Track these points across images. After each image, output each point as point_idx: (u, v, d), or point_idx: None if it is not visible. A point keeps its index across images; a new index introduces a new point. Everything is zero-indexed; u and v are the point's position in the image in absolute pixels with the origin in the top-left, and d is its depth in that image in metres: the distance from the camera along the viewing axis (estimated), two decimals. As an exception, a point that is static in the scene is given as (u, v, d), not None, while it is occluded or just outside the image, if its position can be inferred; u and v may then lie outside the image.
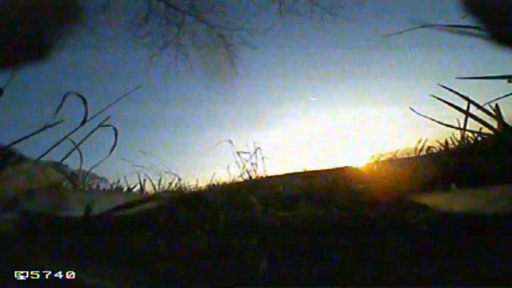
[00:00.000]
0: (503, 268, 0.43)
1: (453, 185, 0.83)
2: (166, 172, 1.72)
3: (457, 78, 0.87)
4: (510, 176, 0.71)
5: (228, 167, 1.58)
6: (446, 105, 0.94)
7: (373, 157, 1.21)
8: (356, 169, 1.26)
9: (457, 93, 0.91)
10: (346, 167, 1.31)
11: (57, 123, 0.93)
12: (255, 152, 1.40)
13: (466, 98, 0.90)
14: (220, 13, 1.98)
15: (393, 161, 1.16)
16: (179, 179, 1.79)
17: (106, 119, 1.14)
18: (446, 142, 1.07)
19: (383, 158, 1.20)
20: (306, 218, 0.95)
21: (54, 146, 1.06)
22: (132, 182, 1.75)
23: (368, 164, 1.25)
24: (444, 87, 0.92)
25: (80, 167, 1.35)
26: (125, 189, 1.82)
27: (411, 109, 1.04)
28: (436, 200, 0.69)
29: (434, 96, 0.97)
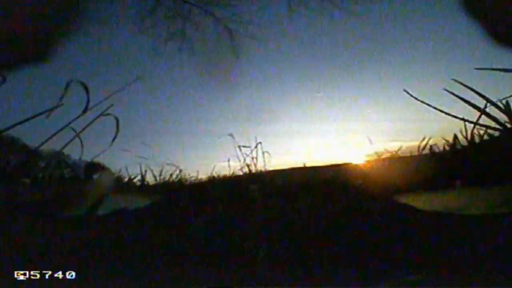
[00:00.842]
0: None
1: (457, 182, 0.83)
2: (167, 163, 1.72)
3: (476, 68, 0.85)
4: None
5: (228, 161, 1.58)
6: (454, 102, 0.92)
7: (375, 154, 1.21)
8: (356, 166, 1.25)
9: (470, 88, 0.88)
10: (345, 163, 1.31)
11: (56, 107, 0.92)
12: (256, 147, 1.40)
13: (479, 94, 0.88)
14: (227, 6, 1.91)
15: (394, 158, 1.15)
16: (180, 171, 1.80)
17: (108, 107, 1.12)
18: (455, 136, 1.04)
19: (384, 156, 1.19)
20: (304, 211, 0.96)
21: (55, 134, 1.05)
22: (133, 172, 1.76)
23: (368, 161, 1.25)
24: (457, 81, 0.90)
25: (80, 157, 1.34)
26: (126, 179, 1.84)
27: (405, 91, 1.00)
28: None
29: (447, 90, 0.94)
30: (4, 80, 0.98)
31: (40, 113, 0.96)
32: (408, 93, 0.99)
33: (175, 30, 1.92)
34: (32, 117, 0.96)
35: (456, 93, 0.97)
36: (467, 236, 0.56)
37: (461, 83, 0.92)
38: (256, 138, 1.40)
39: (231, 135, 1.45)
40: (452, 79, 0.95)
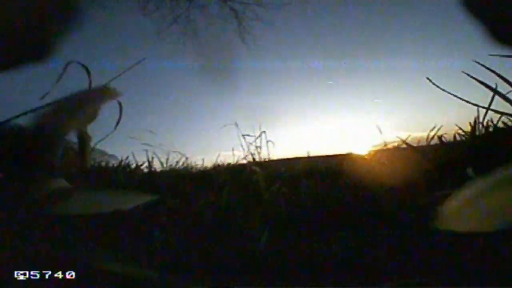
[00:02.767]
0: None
1: (469, 170, 0.81)
2: (173, 151, 1.74)
3: (490, 55, 0.80)
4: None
5: (232, 150, 1.58)
6: (469, 89, 0.88)
7: (383, 144, 1.18)
8: (361, 155, 1.23)
9: (489, 69, 0.83)
10: (350, 153, 1.28)
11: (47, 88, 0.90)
12: (259, 136, 1.39)
13: (499, 75, 0.83)
14: (233, -14, 1.80)
15: (400, 148, 1.12)
16: (186, 158, 1.82)
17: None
18: (475, 120, 1.01)
19: (391, 145, 1.16)
20: (307, 196, 0.96)
21: None
22: (140, 160, 1.79)
23: (373, 151, 1.22)
24: (477, 62, 0.85)
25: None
26: (133, 166, 1.87)
27: (428, 79, 0.97)
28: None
29: (465, 73, 0.90)
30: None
31: (41, 107, 0.95)
32: (430, 80, 0.96)
33: (179, 13, 1.84)
34: (33, 110, 0.95)
35: (469, 80, 0.92)
36: (475, 233, 0.55)
37: (482, 65, 0.87)
38: (260, 126, 1.39)
39: (235, 124, 1.44)
40: (474, 61, 0.90)
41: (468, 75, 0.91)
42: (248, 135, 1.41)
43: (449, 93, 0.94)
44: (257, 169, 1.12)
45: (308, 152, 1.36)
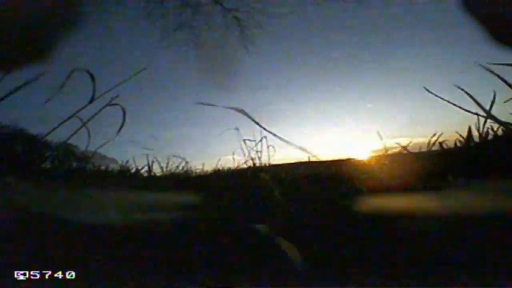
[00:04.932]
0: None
1: (449, 176, 0.82)
2: (173, 155, 1.74)
3: (488, 63, 0.82)
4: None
5: (233, 154, 1.58)
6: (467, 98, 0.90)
7: (384, 149, 1.18)
8: (361, 161, 1.23)
9: (494, 73, 0.84)
10: (350, 158, 1.29)
11: (37, 78, 0.88)
12: (260, 140, 1.39)
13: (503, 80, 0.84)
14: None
15: (401, 154, 1.13)
16: (186, 163, 1.81)
17: (114, 97, 1.11)
18: (469, 129, 1.02)
19: (392, 151, 1.17)
20: (307, 201, 0.96)
21: (61, 123, 1.04)
22: (140, 164, 1.79)
23: (374, 157, 1.22)
24: (481, 65, 0.86)
25: (87, 146, 1.35)
26: (133, 170, 1.87)
27: (425, 88, 0.98)
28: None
29: (458, 87, 0.91)
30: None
31: (19, 87, 0.92)
32: (427, 90, 0.97)
33: (183, 20, 1.87)
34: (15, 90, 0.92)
35: (469, 87, 0.94)
36: (475, 237, 0.55)
37: (486, 68, 0.87)
38: (261, 132, 1.39)
39: (236, 128, 1.44)
40: (478, 64, 0.91)
41: (462, 89, 0.92)
42: (249, 140, 1.42)
43: (447, 101, 0.95)
44: (264, 175, 1.12)
45: (308, 157, 1.37)
